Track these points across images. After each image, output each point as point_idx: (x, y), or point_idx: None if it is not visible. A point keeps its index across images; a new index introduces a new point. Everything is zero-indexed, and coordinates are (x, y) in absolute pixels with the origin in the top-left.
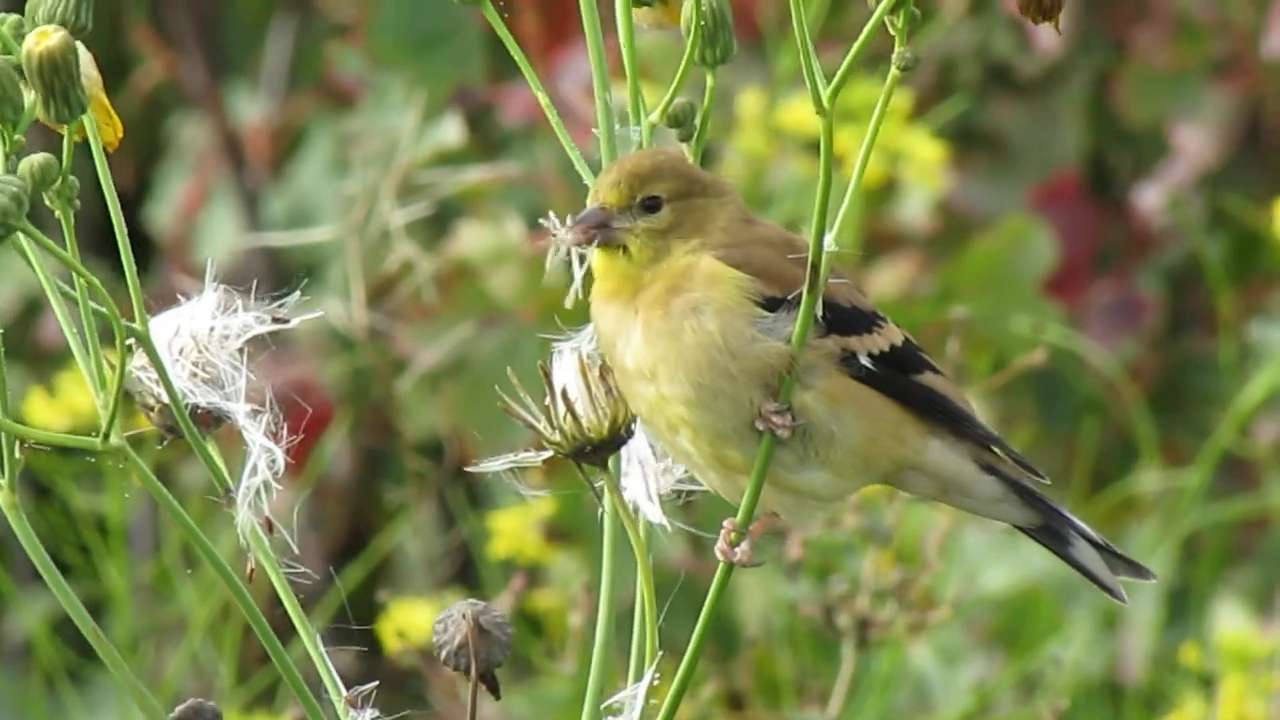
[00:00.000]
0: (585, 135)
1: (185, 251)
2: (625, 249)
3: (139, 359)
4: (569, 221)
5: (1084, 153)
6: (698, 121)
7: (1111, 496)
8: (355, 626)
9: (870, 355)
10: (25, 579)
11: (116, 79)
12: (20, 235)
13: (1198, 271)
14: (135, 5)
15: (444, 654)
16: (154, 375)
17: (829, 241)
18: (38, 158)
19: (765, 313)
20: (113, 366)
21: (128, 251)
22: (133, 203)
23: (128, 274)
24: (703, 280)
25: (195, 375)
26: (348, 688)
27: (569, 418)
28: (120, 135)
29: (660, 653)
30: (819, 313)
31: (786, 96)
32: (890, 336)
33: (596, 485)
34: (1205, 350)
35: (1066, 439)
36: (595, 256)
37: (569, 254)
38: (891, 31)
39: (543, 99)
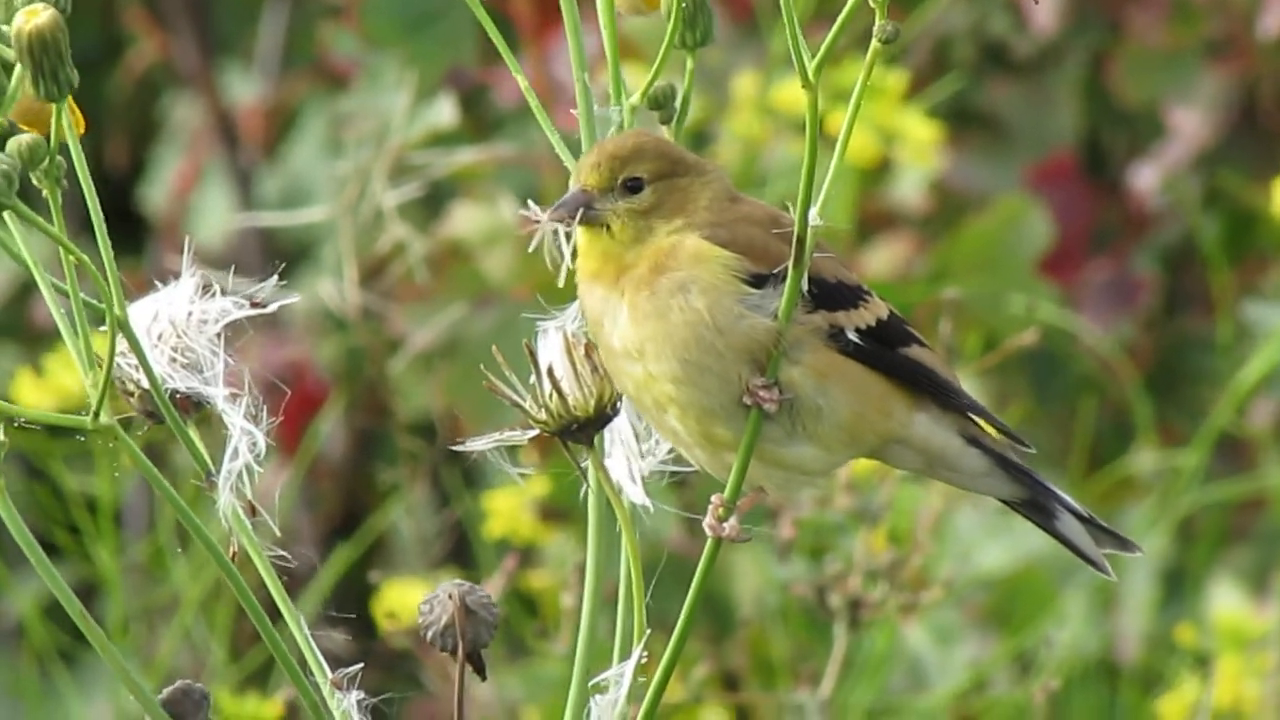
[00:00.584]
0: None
1: (179, 232)
2: (608, 228)
3: (120, 344)
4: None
5: (1079, 133)
6: (678, 104)
7: (1107, 477)
8: (349, 607)
9: (857, 330)
10: (18, 561)
11: (109, 59)
12: (5, 215)
13: (1193, 251)
14: None
15: (430, 634)
16: (134, 360)
17: (814, 216)
18: (26, 137)
19: (752, 289)
20: (99, 352)
21: (104, 236)
22: (126, 183)
23: (104, 259)
24: (688, 259)
25: (174, 360)
26: (343, 667)
27: (555, 396)
28: (83, 129)
29: (649, 631)
30: (805, 288)
31: (780, 77)
32: (876, 311)
33: (582, 463)
34: (1201, 330)
35: (1062, 419)
36: (579, 235)
37: (556, 236)
38: (872, 4)
39: (522, 82)
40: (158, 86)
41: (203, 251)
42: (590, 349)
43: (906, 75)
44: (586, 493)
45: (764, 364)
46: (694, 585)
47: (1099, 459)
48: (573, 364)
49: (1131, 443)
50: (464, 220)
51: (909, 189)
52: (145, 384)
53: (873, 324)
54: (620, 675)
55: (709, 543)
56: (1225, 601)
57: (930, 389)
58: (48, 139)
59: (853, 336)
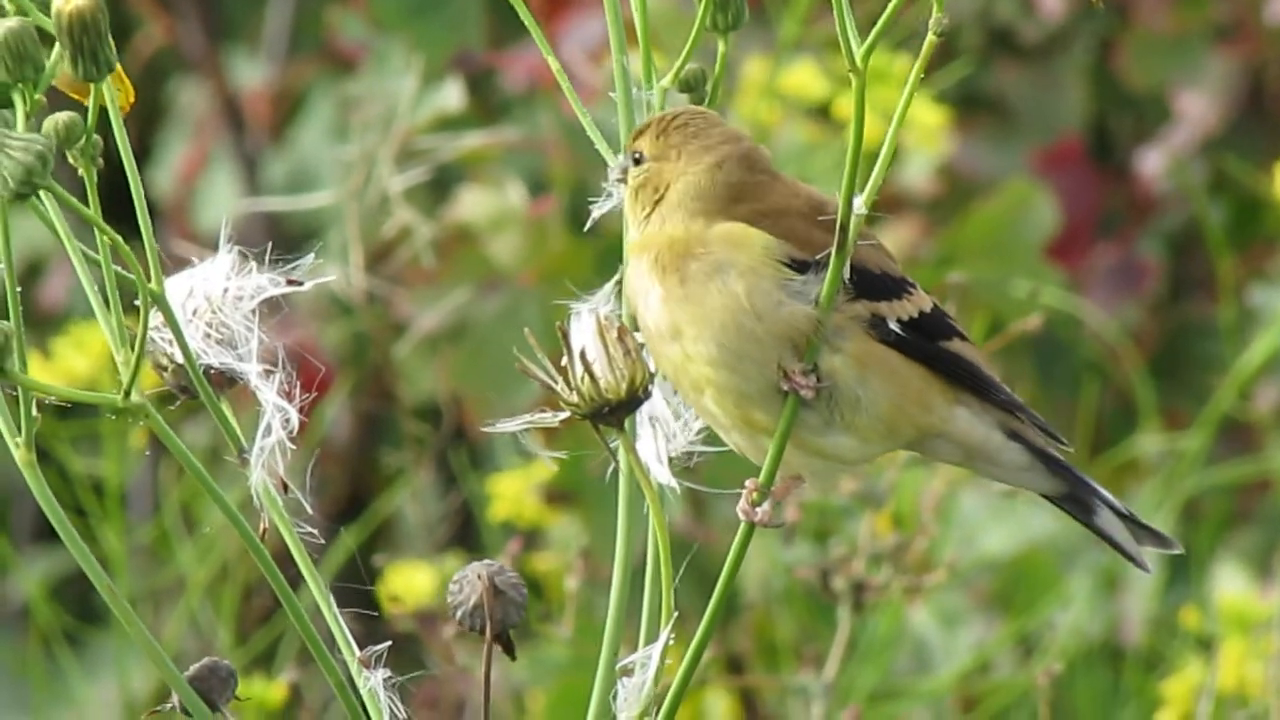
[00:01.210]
0: (588, 100)
1: (185, 216)
2: (627, 197)
3: (153, 320)
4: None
5: (1086, 117)
6: (709, 88)
7: (1112, 460)
8: (356, 588)
9: (899, 321)
10: (24, 541)
11: (116, 43)
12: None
13: (1199, 236)
14: None
15: (459, 614)
16: (168, 336)
17: (858, 204)
18: (62, 116)
19: (794, 275)
20: (130, 327)
21: (144, 211)
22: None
23: (144, 234)
24: (720, 241)
25: (209, 336)
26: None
27: (587, 379)
28: (132, 100)
29: (676, 613)
30: (846, 276)
31: (789, 62)
32: (920, 303)
33: (612, 445)
34: (1206, 315)
35: (1067, 403)
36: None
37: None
38: None
39: (554, 64)
40: (164, 71)
41: (208, 236)
42: (623, 331)
43: (913, 60)
44: (599, 476)
45: (803, 350)
46: (727, 568)
47: (1104, 442)
48: (605, 346)
49: (1136, 426)
50: (471, 204)
51: (916, 173)
52: (179, 359)
53: (915, 316)
54: (648, 658)
55: (741, 528)
56: (1229, 584)
57: (971, 384)
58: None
59: (894, 327)
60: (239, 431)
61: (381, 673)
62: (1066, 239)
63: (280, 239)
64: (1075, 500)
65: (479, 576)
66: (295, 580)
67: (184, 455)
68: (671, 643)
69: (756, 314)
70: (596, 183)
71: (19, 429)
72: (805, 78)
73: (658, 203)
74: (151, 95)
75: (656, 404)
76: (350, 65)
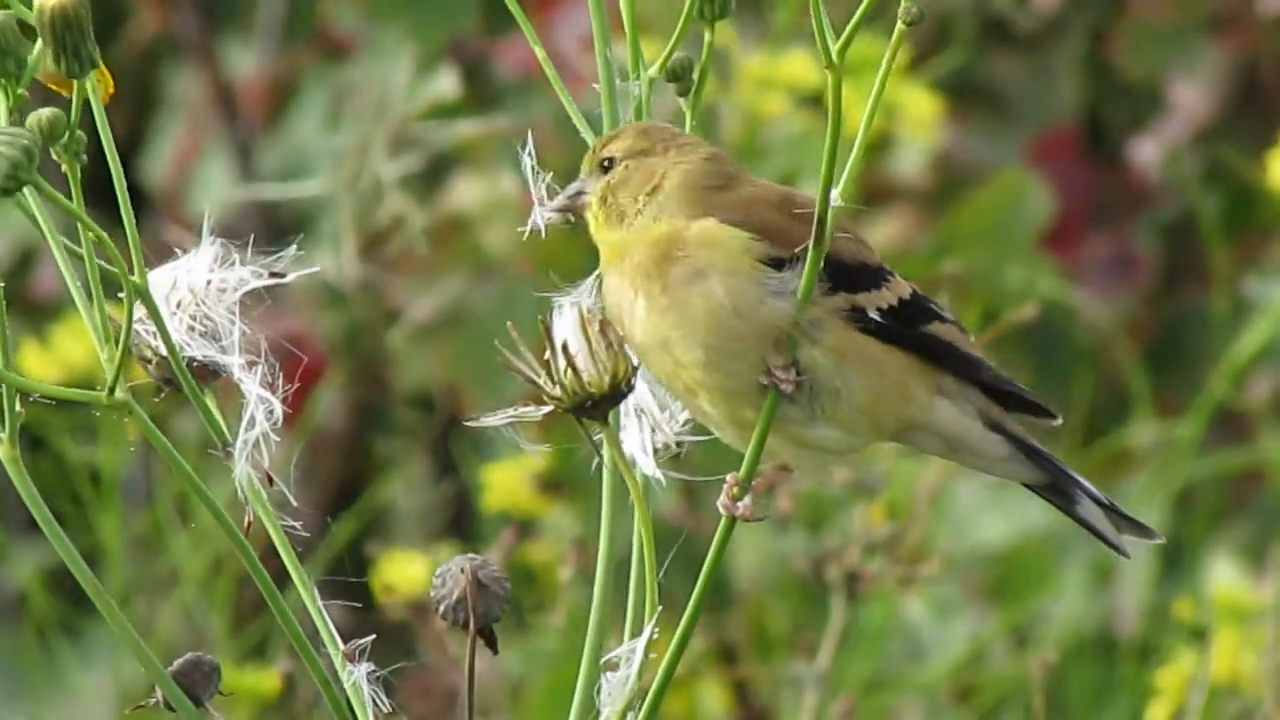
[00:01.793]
0: (580, 89)
1: (178, 204)
2: (593, 210)
3: (137, 312)
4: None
5: (1080, 107)
6: (696, 76)
7: (1106, 449)
8: (348, 580)
9: (879, 310)
10: (18, 531)
11: (109, 31)
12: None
13: (1193, 227)
14: None
15: (442, 608)
16: (152, 328)
17: (835, 196)
18: (46, 112)
19: (772, 272)
20: (115, 321)
21: (127, 204)
22: (125, 156)
23: (127, 228)
24: (697, 243)
25: (192, 328)
26: (341, 639)
27: (569, 372)
28: (112, 92)
29: (660, 608)
30: (822, 268)
31: (782, 51)
32: (899, 290)
33: (595, 438)
34: (1200, 305)
35: (1061, 393)
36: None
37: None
38: None
39: (540, 53)
40: (157, 58)
41: (201, 224)
42: (605, 325)
43: (908, 50)
44: (591, 467)
45: (784, 346)
46: (707, 563)
47: (1097, 432)
48: (588, 340)
49: (1130, 416)
50: (464, 193)
51: (910, 162)
52: (162, 351)
53: (895, 304)
54: (631, 652)
55: (722, 522)
56: (1223, 575)
57: (953, 364)
58: (69, 108)
59: (875, 316)
60: (223, 424)
61: (365, 666)
62: (1060, 229)
63: (274, 227)
64: (1057, 490)
65: (462, 570)
66: (284, 573)
67: (168, 451)
68: (656, 636)
69: (739, 314)
70: None
71: (3, 424)
72: (799, 67)
73: (652, 194)
74: (145, 83)
75: (641, 396)
76: (344, 53)
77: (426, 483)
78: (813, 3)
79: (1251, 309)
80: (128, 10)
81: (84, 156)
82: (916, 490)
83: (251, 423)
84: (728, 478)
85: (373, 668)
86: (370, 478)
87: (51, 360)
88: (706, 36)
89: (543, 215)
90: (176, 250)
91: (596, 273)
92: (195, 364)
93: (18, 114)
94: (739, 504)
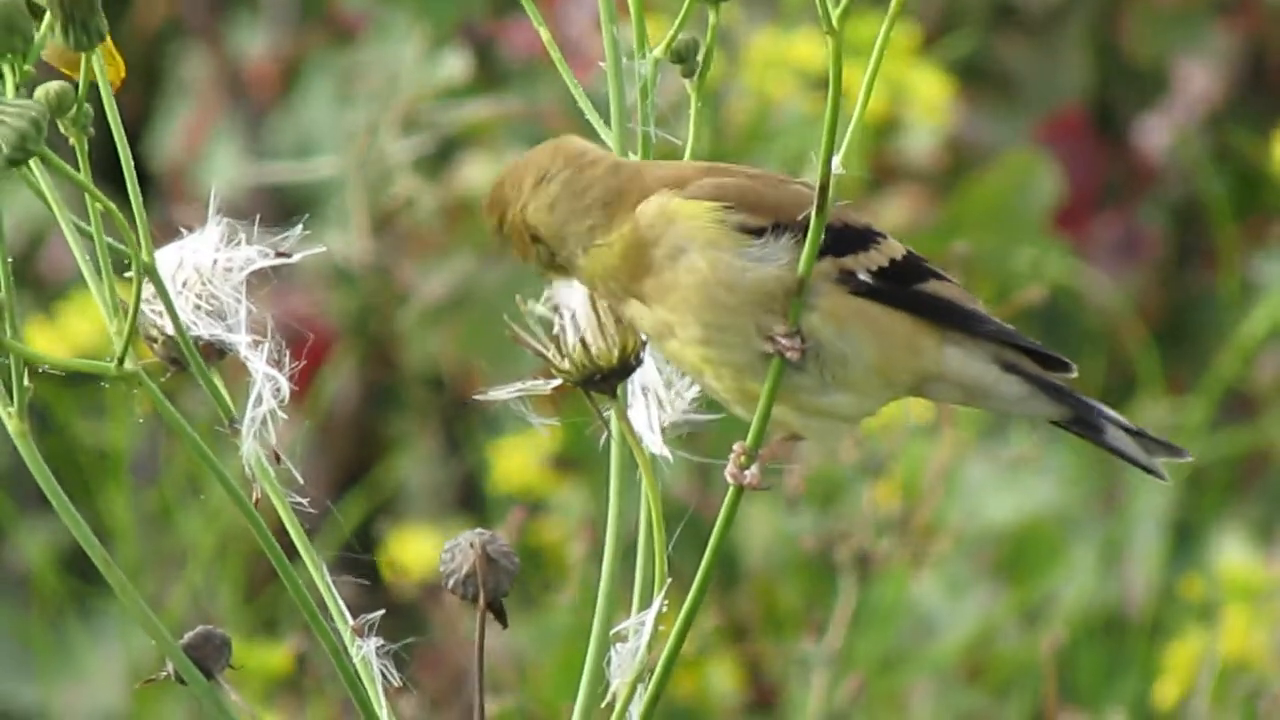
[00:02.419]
0: (588, 71)
1: (186, 184)
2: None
3: (144, 291)
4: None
5: (1089, 89)
6: (700, 58)
7: None
8: (358, 557)
9: (870, 271)
10: (28, 506)
11: (118, 12)
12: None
13: (1201, 207)
14: None
15: (451, 583)
16: (158, 307)
17: (836, 164)
18: (54, 85)
19: (751, 239)
20: (124, 300)
21: (134, 181)
22: (134, 136)
23: (134, 205)
24: (659, 222)
25: (198, 307)
26: (351, 615)
27: (578, 346)
28: (123, 75)
29: (669, 580)
30: (798, 236)
31: (791, 32)
32: (890, 251)
33: (605, 413)
34: (1209, 285)
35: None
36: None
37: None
38: None
39: (545, 35)
40: (166, 40)
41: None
42: None
43: (918, 32)
44: (603, 443)
45: (780, 313)
46: (715, 534)
47: None
48: (596, 314)
49: (1138, 396)
50: (474, 173)
51: (919, 144)
52: (169, 330)
53: (886, 264)
54: (641, 624)
55: (730, 491)
56: (1232, 553)
57: (956, 320)
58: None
59: (865, 278)
60: (230, 402)
61: (374, 641)
62: (1069, 210)
63: (283, 208)
64: (1082, 422)
65: (470, 545)
66: (293, 550)
67: (178, 424)
68: (665, 609)
69: (726, 285)
70: None
71: (11, 398)
72: (808, 49)
73: (537, 243)
74: (153, 64)
75: (649, 373)
76: (353, 34)
77: (437, 461)
78: None
79: (1260, 290)
80: None
81: (91, 130)
82: (927, 469)
83: (258, 400)
84: (735, 447)
85: (382, 642)
86: (380, 456)
87: (60, 338)
88: (711, 18)
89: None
90: (184, 230)
91: None
92: (201, 343)
93: (25, 91)
94: (746, 473)
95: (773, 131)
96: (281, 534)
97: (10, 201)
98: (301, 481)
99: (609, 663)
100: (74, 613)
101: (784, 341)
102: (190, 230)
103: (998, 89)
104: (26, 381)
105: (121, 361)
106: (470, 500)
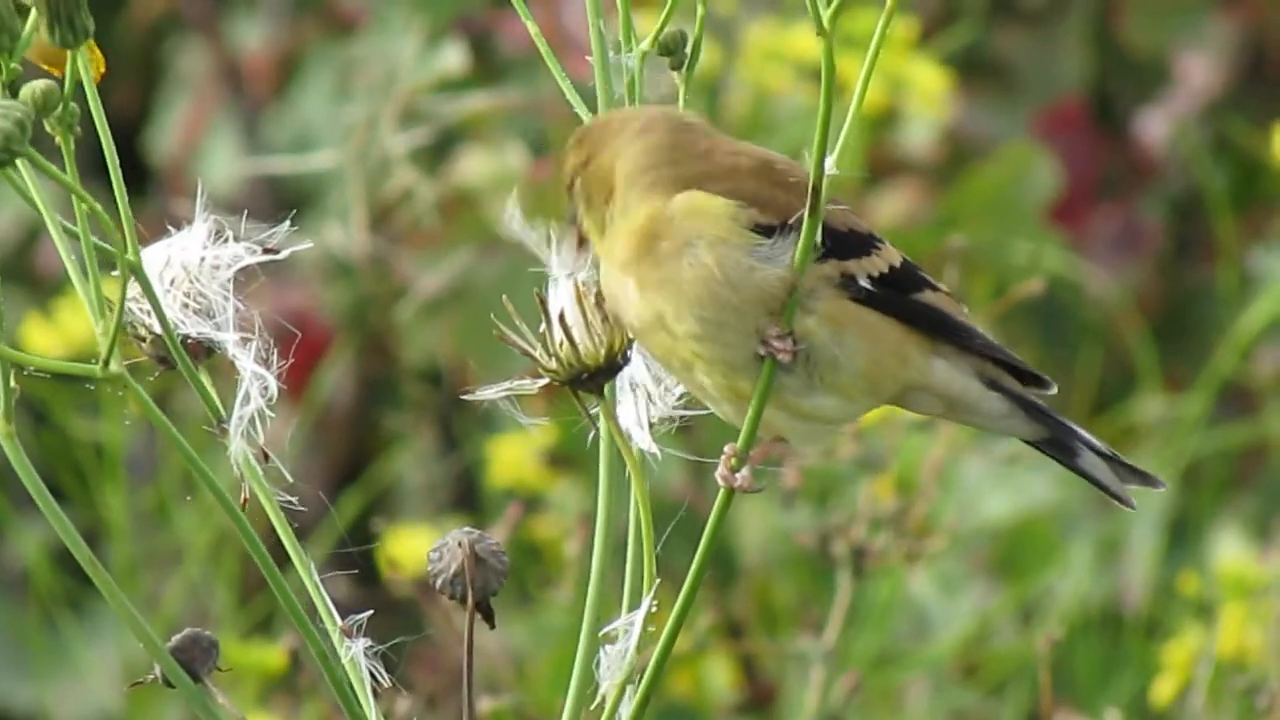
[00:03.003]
0: (585, 64)
1: (185, 178)
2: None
3: (131, 289)
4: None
5: (1088, 81)
6: (689, 50)
7: (1112, 423)
8: (355, 553)
9: (870, 277)
10: (23, 506)
11: (115, 6)
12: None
13: (1200, 200)
14: None
15: (439, 582)
16: (146, 306)
17: (830, 165)
18: (39, 84)
19: (761, 239)
20: (109, 298)
21: (119, 180)
22: (133, 130)
23: (119, 203)
24: (683, 215)
25: (186, 306)
26: (347, 614)
27: (565, 345)
28: (103, 70)
29: (658, 580)
30: (817, 238)
31: (792, 25)
32: (889, 258)
33: (592, 411)
34: (1207, 278)
35: (1067, 366)
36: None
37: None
38: None
39: (533, 28)
40: (164, 32)
41: (209, 198)
42: (601, 298)
43: (916, 24)
44: (594, 441)
45: (778, 315)
46: (706, 535)
47: (1104, 405)
48: (583, 312)
49: (1136, 390)
50: (472, 166)
51: (918, 136)
52: (156, 329)
53: (885, 271)
54: (630, 625)
55: (721, 493)
56: (1229, 550)
57: (946, 333)
58: (63, 82)
59: (865, 284)
60: (219, 402)
61: (363, 642)
62: (1067, 202)
63: (281, 201)
64: (1058, 444)
65: (459, 544)
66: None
67: (164, 426)
68: (656, 609)
69: (730, 284)
70: None
71: None
72: (806, 41)
73: (610, 196)
74: (151, 58)
75: (637, 370)
76: (351, 27)
77: (434, 457)
78: None
79: (1259, 283)
80: None
81: (78, 129)
82: (923, 465)
83: (246, 399)
84: (726, 449)
85: (371, 643)
86: (377, 452)
87: (55, 335)
88: (699, 9)
89: (574, 271)
90: (174, 228)
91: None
92: (189, 341)
93: (7, 90)
94: (737, 475)
95: (771, 124)
96: (274, 532)
97: (4, 197)
98: (292, 480)
99: (598, 664)
100: (69, 612)
101: (776, 343)
102: (180, 227)
103: (996, 81)
104: (14, 383)
105: (106, 363)
106: (467, 497)
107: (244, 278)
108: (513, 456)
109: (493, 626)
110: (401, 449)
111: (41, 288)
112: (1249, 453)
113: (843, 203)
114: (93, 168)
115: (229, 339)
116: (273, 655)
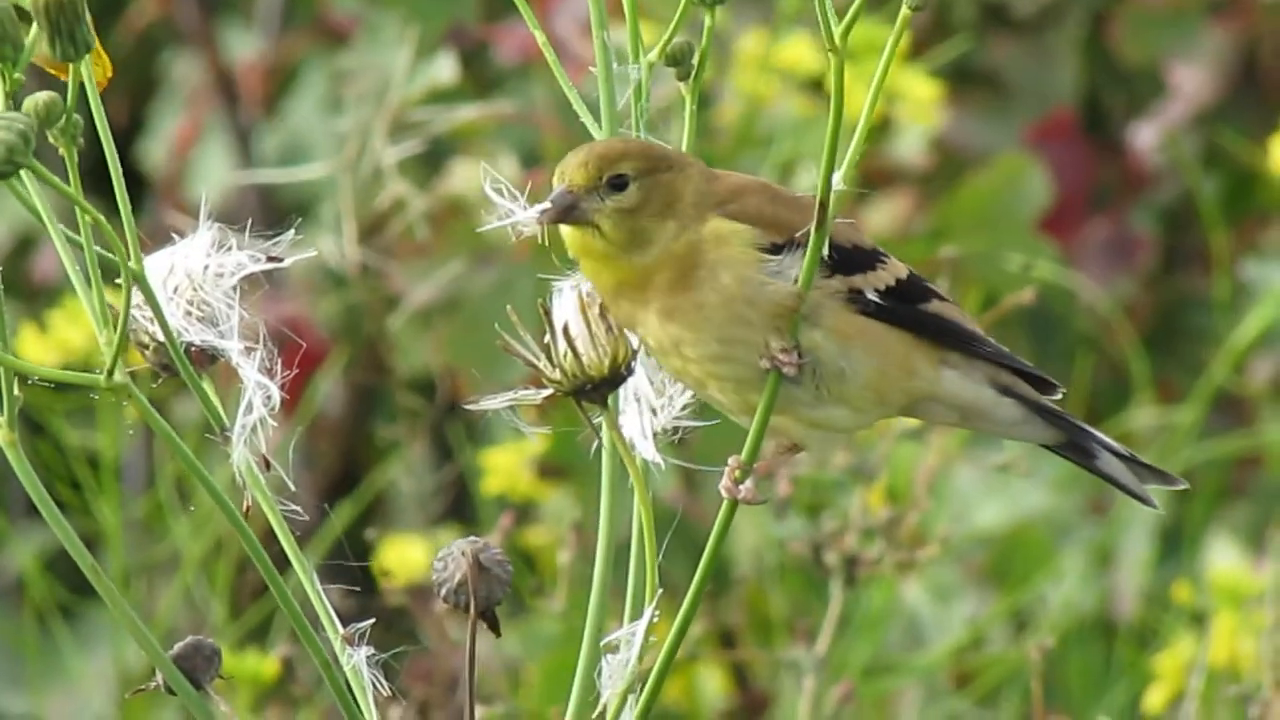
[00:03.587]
0: (580, 74)
1: (178, 189)
2: (598, 229)
3: (134, 297)
4: (534, 204)
5: (1080, 91)
6: (695, 61)
7: (1105, 433)
8: (348, 563)
9: (876, 291)
10: (18, 514)
11: (110, 16)
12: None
13: (1192, 210)
14: None
15: (443, 591)
16: (149, 313)
17: (837, 180)
18: (42, 96)
19: (770, 257)
20: (114, 307)
21: (122, 190)
22: (125, 140)
23: (123, 213)
24: (713, 243)
25: (190, 313)
26: (341, 624)
27: (569, 356)
28: (109, 74)
29: (660, 590)
30: (824, 253)
31: (786, 35)
32: (895, 271)
33: (595, 421)
34: (1200, 288)
35: (1061, 376)
36: (567, 236)
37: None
38: None
39: (540, 37)
40: (158, 43)
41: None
42: (605, 308)
43: (909, 35)
44: (591, 450)
45: (785, 329)
46: (708, 550)
47: (1097, 416)
48: (587, 323)
49: (1130, 400)
50: (464, 177)
51: (910, 146)
52: (160, 337)
53: (892, 284)
54: (632, 634)
55: (724, 505)
56: (1222, 558)
57: (955, 341)
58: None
59: (873, 297)
60: (221, 409)
61: (365, 650)
62: (1059, 212)
63: (273, 212)
64: (1075, 447)
65: (463, 553)
66: (283, 557)
67: (167, 434)
68: (657, 619)
69: (747, 300)
70: None
71: (1, 408)
72: (800, 51)
73: (673, 213)
74: (145, 68)
75: (640, 380)
76: (343, 38)
77: (427, 467)
78: None
79: (1251, 292)
80: None
81: (81, 140)
82: (916, 474)
83: (249, 408)
84: (730, 460)
85: (372, 651)
86: (371, 462)
87: (50, 344)
88: (706, 21)
89: (535, 217)
90: (176, 235)
91: None
92: (193, 349)
93: (10, 101)
94: (741, 487)
95: (763, 135)
96: (272, 539)
97: (1, 204)
98: (294, 489)
99: (599, 673)
100: (65, 619)
101: (781, 357)
102: (181, 235)
103: (988, 91)
104: (16, 391)
105: (111, 374)
106: (460, 506)
107: (246, 286)
108: (506, 466)
109: (498, 635)
110: (394, 458)
111: (36, 298)
112: (1242, 462)
113: (847, 217)
114: (87, 177)
115: (233, 347)
116: (267, 665)
